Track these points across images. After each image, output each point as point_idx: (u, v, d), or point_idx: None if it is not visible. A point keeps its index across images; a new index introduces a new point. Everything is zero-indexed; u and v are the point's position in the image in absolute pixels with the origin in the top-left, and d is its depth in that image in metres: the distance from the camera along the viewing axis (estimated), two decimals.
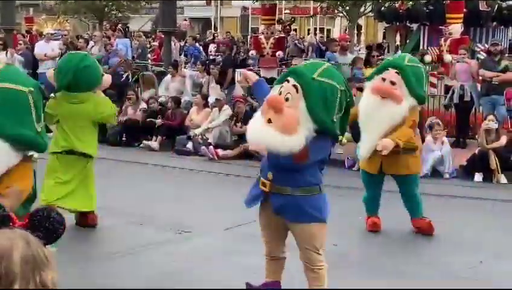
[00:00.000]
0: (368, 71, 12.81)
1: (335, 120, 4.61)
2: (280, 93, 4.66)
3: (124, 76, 16.50)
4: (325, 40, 25.22)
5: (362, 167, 7.63)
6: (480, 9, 17.32)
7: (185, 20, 31.03)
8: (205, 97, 14.11)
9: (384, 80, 7.00)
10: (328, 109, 4.56)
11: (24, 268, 1.93)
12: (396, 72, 6.95)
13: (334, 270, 6.31)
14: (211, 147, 12.56)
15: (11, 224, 2.35)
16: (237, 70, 17.91)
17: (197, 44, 23.35)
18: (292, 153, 4.49)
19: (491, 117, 11.26)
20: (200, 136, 13.08)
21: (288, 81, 4.67)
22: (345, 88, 4.66)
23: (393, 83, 6.93)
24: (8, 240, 1.98)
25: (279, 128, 4.48)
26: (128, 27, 29.59)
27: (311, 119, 4.52)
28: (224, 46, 19.58)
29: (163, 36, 19.35)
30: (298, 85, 4.58)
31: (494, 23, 18.25)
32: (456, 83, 12.91)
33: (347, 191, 9.52)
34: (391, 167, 7.28)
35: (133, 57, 19.19)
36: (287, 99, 4.58)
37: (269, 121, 4.54)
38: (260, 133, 4.59)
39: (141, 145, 13.66)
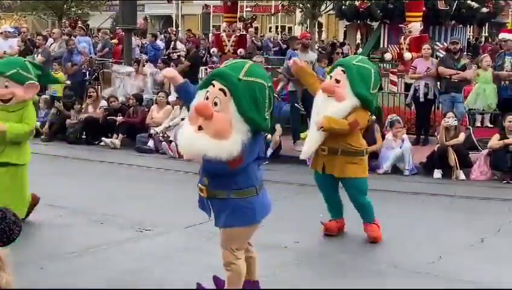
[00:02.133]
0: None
1: (267, 117, 4.58)
2: (207, 98, 4.56)
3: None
4: (287, 38, 25.31)
5: (312, 167, 7.50)
6: (439, 8, 17.56)
7: (143, 19, 30.80)
8: (167, 95, 14.05)
9: (331, 78, 7.01)
10: (259, 107, 4.51)
11: None
12: (342, 71, 6.90)
13: (295, 267, 6.35)
14: (173, 144, 12.50)
15: None
16: (201, 68, 17.92)
17: (157, 41, 23.22)
18: (230, 158, 4.45)
19: (451, 114, 11.39)
20: (161, 134, 13.01)
21: (213, 85, 4.56)
22: (271, 84, 4.66)
23: (337, 81, 6.89)
24: None
25: (212, 135, 4.43)
26: (88, 24, 29.36)
27: (243, 121, 4.47)
28: (190, 44, 19.52)
29: (123, 34, 19.20)
30: (225, 88, 4.49)
31: (453, 21, 18.51)
32: (420, 81, 13.02)
33: (310, 189, 9.55)
34: (331, 168, 7.16)
35: (95, 54, 19.04)
36: (215, 104, 4.49)
37: (200, 128, 4.48)
38: (192, 140, 4.50)
39: (101, 143, 13.54)
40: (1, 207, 2.57)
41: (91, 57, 17.89)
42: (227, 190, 4.75)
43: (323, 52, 20.50)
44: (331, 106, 6.87)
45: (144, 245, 7.03)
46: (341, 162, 7.08)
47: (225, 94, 4.49)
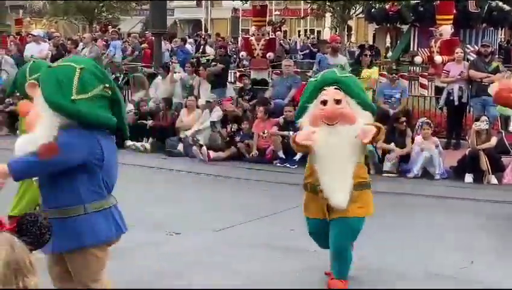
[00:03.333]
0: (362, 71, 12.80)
1: (76, 100, 4.03)
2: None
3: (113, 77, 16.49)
4: (316, 41, 25.31)
5: (306, 214, 5.95)
6: (470, 10, 17.39)
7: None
8: (196, 99, 14.10)
9: (325, 102, 5.50)
10: (64, 90, 4.04)
11: (7, 272, 1.92)
12: (336, 88, 5.50)
13: (321, 272, 6.31)
14: (204, 148, 12.54)
15: None
16: (230, 71, 17.94)
17: (187, 45, 23.34)
18: (38, 149, 3.99)
19: (484, 118, 11.27)
20: (190, 138, 13.05)
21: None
22: (90, 67, 4.18)
23: (338, 102, 5.48)
24: None
25: (28, 130, 4.23)
26: (119, 28, 29.61)
27: (49, 107, 4.07)
28: (221, 48, 19.60)
29: (152, 38, 19.33)
30: (35, 81, 4.33)
31: (484, 24, 18.33)
32: (454, 84, 12.92)
33: None
34: (338, 210, 5.57)
35: (124, 58, 19.19)
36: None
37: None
38: (17, 143, 4.18)
39: (132, 147, 13.63)
40: (33, 211, 2.60)
41: (113, 61, 18.01)
42: (49, 208, 4.09)
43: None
44: (342, 134, 5.47)
45: (173, 248, 7.05)
46: (351, 199, 5.55)
47: (35, 87, 4.26)
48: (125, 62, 18.85)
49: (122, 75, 17.49)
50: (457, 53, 13.24)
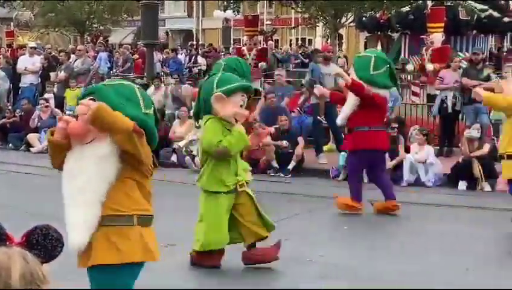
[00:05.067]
0: None
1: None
2: None
3: None
4: (309, 51, 25.35)
5: None
6: (461, 17, 17.46)
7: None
8: (189, 110, 14.09)
9: None
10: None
11: (22, 284, 1.93)
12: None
13: (322, 280, 6.30)
14: (197, 158, 12.52)
15: (7, 243, 2.31)
16: None
17: (179, 56, 23.34)
18: None
19: (476, 126, 11.31)
20: (184, 149, 13.04)
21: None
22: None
23: None
24: (5, 256, 1.98)
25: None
26: (107, 40, 29.61)
27: None
28: (211, 58, 19.68)
29: (143, 48, 19.32)
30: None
31: (474, 31, 18.40)
32: (447, 92, 12.97)
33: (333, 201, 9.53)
34: None
35: (109, 69, 19.23)
36: None
37: None
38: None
39: None
40: (43, 224, 2.59)
41: (96, 72, 18.12)
42: None
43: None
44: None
45: (170, 260, 7.02)
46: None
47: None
48: (117, 73, 18.84)
49: None
50: (456, 62, 13.34)
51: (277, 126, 12.36)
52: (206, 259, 6.55)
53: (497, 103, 8.13)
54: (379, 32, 21.49)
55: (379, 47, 25.47)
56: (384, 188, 8.92)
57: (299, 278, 6.31)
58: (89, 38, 29.30)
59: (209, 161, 6.49)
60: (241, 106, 6.16)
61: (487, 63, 16.09)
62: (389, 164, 11.25)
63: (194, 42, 35.09)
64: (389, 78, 8.64)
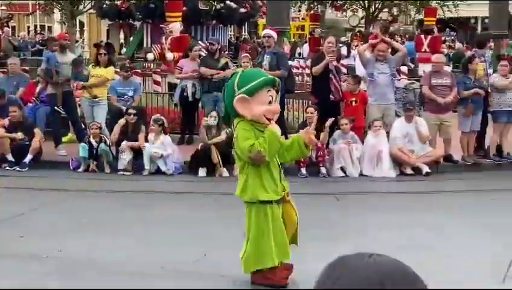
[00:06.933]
0: (97, 71, 12.48)
1: None
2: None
3: None
4: (46, 38, 24.46)
5: None
6: (200, 8, 17.83)
7: None
8: None
9: None
10: None
11: None
12: None
13: (61, 276, 6.05)
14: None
15: None
16: None
17: None
18: None
19: (212, 114, 11.60)
20: None
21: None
22: None
23: None
24: None
25: None
26: None
27: None
28: None
29: None
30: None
31: (214, 21, 18.90)
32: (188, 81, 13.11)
33: (73, 194, 9.30)
34: None
35: None
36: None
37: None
38: None
39: None
40: None
41: None
42: None
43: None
44: None
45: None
46: None
47: None
48: None
49: None
50: (195, 51, 13.53)
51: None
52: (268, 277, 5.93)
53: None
54: (121, 21, 21.28)
55: (122, 35, 25.32)
56: None
57: (32, 274, 6.02)
58: None
59: (247, 168, 5.87)
60: (269, 102, 5.63)
61: (225, 52, 16.58)
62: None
63: None
64: None
